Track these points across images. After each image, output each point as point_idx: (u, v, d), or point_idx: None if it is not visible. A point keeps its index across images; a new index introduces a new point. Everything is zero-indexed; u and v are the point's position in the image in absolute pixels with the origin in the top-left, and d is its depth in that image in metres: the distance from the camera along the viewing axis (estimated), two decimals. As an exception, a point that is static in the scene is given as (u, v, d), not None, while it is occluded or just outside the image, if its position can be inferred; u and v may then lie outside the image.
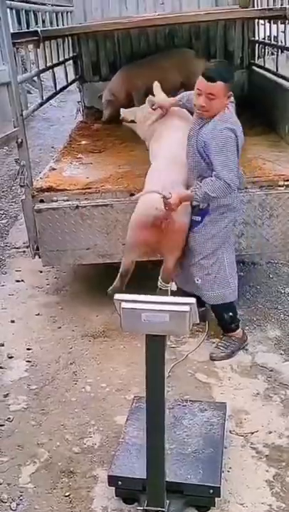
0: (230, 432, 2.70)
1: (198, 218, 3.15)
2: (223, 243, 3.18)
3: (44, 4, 5.12)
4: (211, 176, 2.99)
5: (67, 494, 2.44)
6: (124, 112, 4.44)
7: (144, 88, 5.37)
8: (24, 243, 4.82)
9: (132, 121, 4.29)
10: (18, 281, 4.41)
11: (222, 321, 3.38)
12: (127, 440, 2.48)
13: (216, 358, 3.29)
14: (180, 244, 3.24)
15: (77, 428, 2.82)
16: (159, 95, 3.85)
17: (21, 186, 3.69)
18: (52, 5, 5.45)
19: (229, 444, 2.62)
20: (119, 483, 2.33)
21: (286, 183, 3.72)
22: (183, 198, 3.03)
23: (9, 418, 2.91)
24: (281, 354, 3.33)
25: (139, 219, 3.23)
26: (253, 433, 2.72)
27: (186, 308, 1.85)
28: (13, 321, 3.84)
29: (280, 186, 3.71)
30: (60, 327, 3.73)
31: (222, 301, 3.26)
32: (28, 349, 3.51)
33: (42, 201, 3.72)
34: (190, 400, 2.76)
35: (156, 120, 3.81)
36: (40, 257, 3.77)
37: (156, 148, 3.63)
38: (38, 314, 3.91)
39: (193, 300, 1.87)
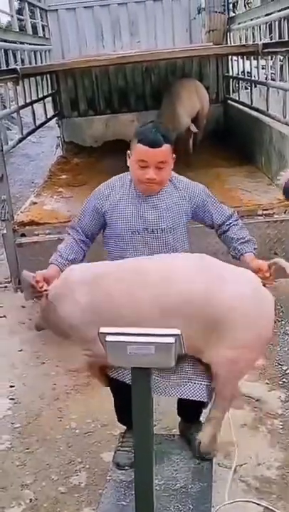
0: (218, 464, 2.66)
1: None
2: None
3: (22, 43, 5.22)
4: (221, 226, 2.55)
5: (53, 537, 2.37)
6: None
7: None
8: (5, 278, 4.77)
9: None
10: (0, 317, 4.36)
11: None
12: (115, 478, 2.43)
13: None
14: None
15: (62, 467, 2.75)
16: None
17: (2, 220, 3.69)
18: (30, 44, 5.55)
19: (218, 477, 2.57)
20: (108, 522, 2.27)
21: (264, 212, 3.78)
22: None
23: (-8, 458, 2.83)
24: (267, 383, 3.31)
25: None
26: (241, 465, 2.68)
27: (172, 339, 1.83)
28: (-5, 358, 3.78)
29: (258, 215, 3.78)
30: (43, 363, 3.68)
31: None
32: (12, 386, 3.44)
33: (23, 235, 3.71)
34: (177, 434, 2.73)
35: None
36: (22, 292, 3.74)
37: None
38: (21, 350, 3.85)
39: (178, 331, 1.86)
